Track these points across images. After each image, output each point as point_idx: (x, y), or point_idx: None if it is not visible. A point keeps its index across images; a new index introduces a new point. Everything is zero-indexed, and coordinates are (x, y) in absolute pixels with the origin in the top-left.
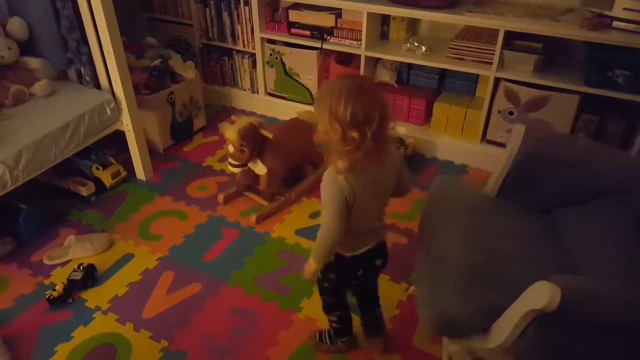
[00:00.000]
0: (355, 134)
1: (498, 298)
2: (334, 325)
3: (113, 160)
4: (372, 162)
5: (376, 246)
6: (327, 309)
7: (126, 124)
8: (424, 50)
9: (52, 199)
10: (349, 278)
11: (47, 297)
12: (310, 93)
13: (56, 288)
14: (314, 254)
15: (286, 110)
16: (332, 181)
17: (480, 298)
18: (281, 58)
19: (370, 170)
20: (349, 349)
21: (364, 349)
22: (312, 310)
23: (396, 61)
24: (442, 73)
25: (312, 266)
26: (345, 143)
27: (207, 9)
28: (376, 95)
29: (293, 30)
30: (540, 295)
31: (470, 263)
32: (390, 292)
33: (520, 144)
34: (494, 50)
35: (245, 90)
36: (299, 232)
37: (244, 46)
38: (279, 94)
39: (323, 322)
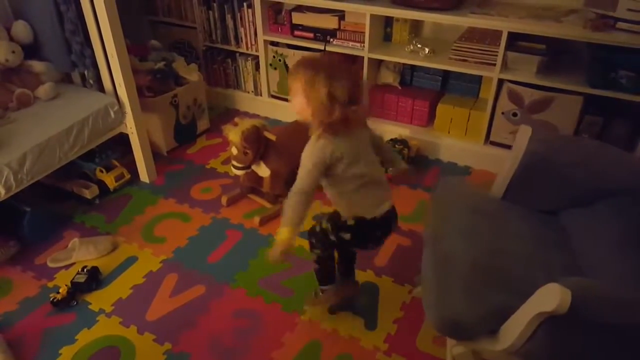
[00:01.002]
0: (353, 109)
1: (505, 300)
2: (316, 268)
3: (117, 163)
4: (353, 126)
5: (392, 209)
6: (314, 245)
7: (130, 127)
8: (427, 51)
9: (56, 202)
10: (365, 240)
11: (51, 299)
12: None
13: (60, 291)
14: (286, 219)
15: (289, 112)
16: (312, 145)
17: (488, 300)
18: (284, 60)
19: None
20: (330, 300)
21: (369, 351)
22: (316, 313)
23: (399, 63)
24: (446, 74)
25: (285, 235)
26: (343, 120)
27: (210, 12)
28: (358, 73)
29: (296, 33)
30: (551, 297)
31: (477, 264)
32: (393, 294)
33: (526, 145)
34: (497, 52)
35: (248, 92)
36: (303, 235)
37: (247, 48)
38: (282, 96)
39: (326, 324)
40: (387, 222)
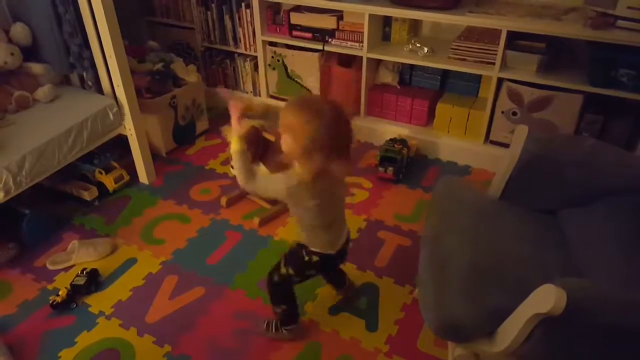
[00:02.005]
0: (338, 163)
1: (503, 301)
2: (280, 316)
3: (116, 165)
4: (334, 180)
5: (346, 235)
6: (278, 300)
7: (129, 128)
8: (426, 51)
9: (56, 204)
10: (329, 270)
11: (50, 302)
12: None
13: (60, 293)
14: (236, 161)
15: None
16: (286, 185)
17: (485, 301)
18: (283, 60)
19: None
20: (293, 338)
21: (369, 352)
22: (315, 314)
23: (398, 62)
24: (445, 74)
25: (233, 148)
26: (324, 172)
27: (208, 12)
28: (350, 126)
29: (295, 33)
30: (546, 298)
31: (475, 265)
32: (394, 295)
33: (523, 145)
34: (496, 51)
35: (247, 93)
36: None
37: (245, 49)
38: (281, 96)
39: (326, 325)
40: (344, 249)
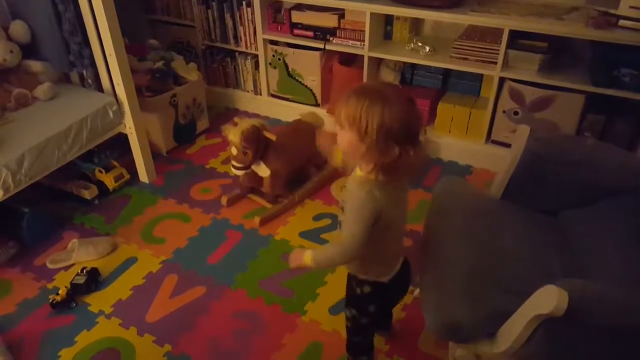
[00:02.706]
0: (411, 149)
1: (504, 302)
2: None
3: (116, 163)
4: (408, 172)
5: (404, 263)
6: (358, 352)
7: (129, 127)
8: (427, 50)
9: (56, 203)
10: (390, 302)
11: (50, 301)
12: (314, 94)
13: (59, 292)
14: (319, 257)
15: (289, 112)
16: (365, 191)
17: (487, 302)
18: (284, 59)
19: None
20: None
21: None
22: (317, 314)
23: (400, 61)
24: (446, 73)
25: (306, 262)
26: (400, 162)
27: (209, 11)
28: (415, 104)
29: (296, 31)
30: (547, 299)
31: (476, 266)
32: None
33: (524, 144)
34: (498, 50)
35: (248, 91)
36: (302, 235)
37: (246, 47)
38: (282, 95)
39: (327, 325)
40: (402, 277)
